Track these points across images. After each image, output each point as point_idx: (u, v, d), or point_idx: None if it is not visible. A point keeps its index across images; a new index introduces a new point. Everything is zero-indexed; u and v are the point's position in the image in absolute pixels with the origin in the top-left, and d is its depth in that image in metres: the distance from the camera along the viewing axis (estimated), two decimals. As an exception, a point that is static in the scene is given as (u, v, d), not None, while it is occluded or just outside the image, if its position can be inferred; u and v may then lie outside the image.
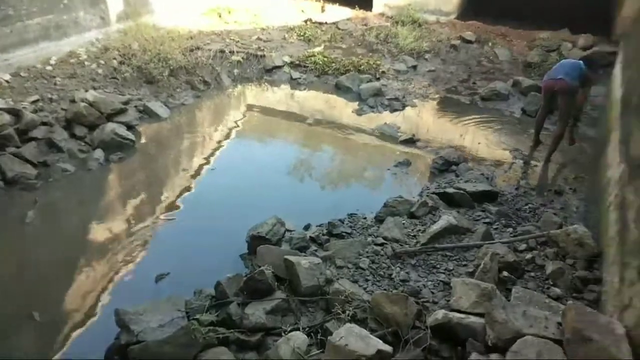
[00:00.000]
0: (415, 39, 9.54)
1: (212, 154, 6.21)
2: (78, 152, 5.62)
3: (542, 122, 6.06)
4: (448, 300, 3.12)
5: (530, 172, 5.65)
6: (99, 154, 5.62)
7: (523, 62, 9.15)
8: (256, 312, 3.09)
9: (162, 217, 4.77)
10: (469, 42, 9.82)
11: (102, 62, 7.46)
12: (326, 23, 10.50)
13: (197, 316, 3.09)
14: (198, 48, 8.48)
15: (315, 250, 3.99)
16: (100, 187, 5.21)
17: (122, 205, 4.93)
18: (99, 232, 4.43)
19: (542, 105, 6.01)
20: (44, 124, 5.72)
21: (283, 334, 2.93)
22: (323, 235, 4.22)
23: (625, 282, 2.74)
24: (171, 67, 7.65)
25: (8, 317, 3.38)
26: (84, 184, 5.20)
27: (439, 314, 2.91)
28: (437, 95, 8.06)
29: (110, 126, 5.90)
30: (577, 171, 5.47)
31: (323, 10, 11.09)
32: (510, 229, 4.16)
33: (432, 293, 3.30)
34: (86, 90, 6.50)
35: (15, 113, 5.47)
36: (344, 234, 4.21)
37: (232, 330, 3.02)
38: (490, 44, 9.79)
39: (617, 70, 7.07)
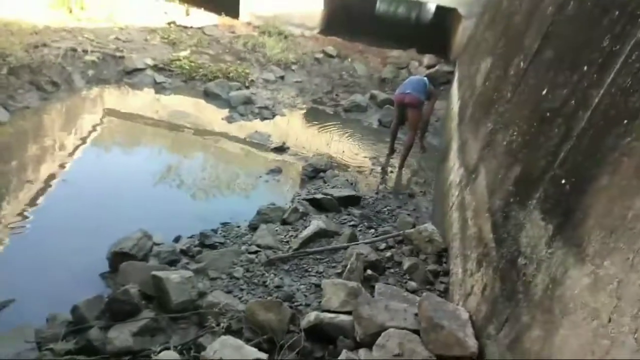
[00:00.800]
0: (282, 50, 9.82)
1: (64, 164, 5.58)
2: None
3: (395, 132, 6.73)
4: (320, 302, 3.28)
5: (387, 178, 6.23)
6: None
7: (378, 77, 10.05)
8: (121, 335, 2.87)
9: (2, 234, 4.15)
10: (331, 56, 10.44)
11: None
12: (192, 27, 10.23)
13: (51, 345, 2.77)
14: (45, 45, 7.56)
15: (187, 263, 3.86)
16: None
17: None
18: None
19: (395, 117, 6.68)
20: None
21: (152, 355, 2.78)
22: (195, 246, 4.10)
23: (467, 272, 3.19)
24: (11, 65, 6.69)
25: None
26: None
27: (311, 316, 3.04)
28: (304, 105, 8.41)
29: None
30: (426, 176, 6.21)
31: (188, 14, 10.77)
32: (373, 230, 4.54)
33: (305, 296, 3.44)
34: None
35: None
36: (217, 244, 4.15)
37: (93, 358, 2.76)
38: (349, 59, 10.54)
39: (454, 87, 8.22)
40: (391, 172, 6.37)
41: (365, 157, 6.76)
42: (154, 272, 3.32)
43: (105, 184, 5.28)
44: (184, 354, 2.86)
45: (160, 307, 3.21)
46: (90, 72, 7.76)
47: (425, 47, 10.99)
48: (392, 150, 6.79)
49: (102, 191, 5.10)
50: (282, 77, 9.20)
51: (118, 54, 8.27)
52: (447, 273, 3.74)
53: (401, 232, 4.20)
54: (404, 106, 6.26)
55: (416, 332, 2.80)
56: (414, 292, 3.51)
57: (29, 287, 3.56)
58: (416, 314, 2.94)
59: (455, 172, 4.96)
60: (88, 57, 7.84)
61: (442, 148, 6.74)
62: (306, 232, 4.09)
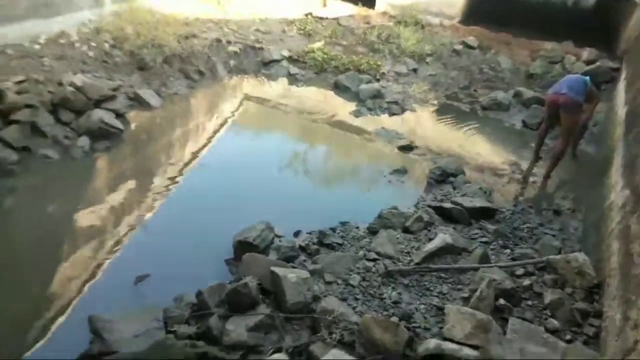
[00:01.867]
0: (418, 41, 9.37)
1: (203, 148, 5.99)
2: (63, 139, 5.35)
3: (543, 136, 5.94)
4: (441, 328, 2.97)
5: (529, 189, 5.52)
6: (84, 141, 5.37)
7: (525, 72, 9.03)
8: (237, 329, 2.91)
9: (145, 212, 4.56)
10: (472, 47, 9.67)
11: (94, 44, 7.16)
12: (327, 18, 10.29)
13: (175, 327, 2.91)
14: (194, 36, 8.22)
15: (304, 261, 3.81)
16: (83, 177, 4.97)
17: (105, 198, 4.69)
18: (77, 226, 4.21)
19: (544, 119, 5.87)
20: (28, 106, 5.43)
21: (265, 355, 2.76)
22: (313, 244, 4.04)
23: (629, 321, 2.60)
24: (165, 54, 7.39)
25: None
26: (66, 172, 4.95)
27: (431, 343, 2.76)
28: (436, 101, 7.91)
29: (98, 113, 5.64)
30: (577, 190, 5.36)
31: (325, 5, 10.86)
32: (508, 250, 4.02)
33: (425, 318, 3.14)
34: (75, 74, 6.22)
35: (-2, 93, 5.20)
36: (334, 244, 4.04)
37: (212, 346, 2.84)
38: (492, 51, 9.66)
39: (620, 88, 6.98)
40: (534, 182, 5.62)
41: (503, 162, 6.09)
42: (273, 268, 3.32)
43: (236, 169, 5.54)
44: (294, 357, 2.79)
45: (276, 304, 3.20)
46: (232, 62, 8.25)
47: (584, 39, 9.58)
48: (537, 157, 6.00)
49: (233, 176, 5.35)
50: (414, 70, 8.78)
51: (257, 45, 8.65)
52: (599, 315, 3.13)
53: (544, 258, 3.64)
54: (557, 108, 5.43)
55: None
56: (554, 331, 3.01)
57: (163, 265, 3.82)
58: (559, 363, 2.50)
59: (617, 192, 4.16)
60: (231, 48, 8.33)
61: (600, 159, 5.76)
62: (430, 246, 3.76)
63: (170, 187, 5.05)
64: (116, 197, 4.73)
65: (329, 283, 3.46)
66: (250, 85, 8.08)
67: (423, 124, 7.22)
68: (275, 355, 2.70)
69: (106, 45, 7.18)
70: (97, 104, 5.87)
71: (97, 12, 7.90)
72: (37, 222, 4.20)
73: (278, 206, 4.75)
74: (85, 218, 4.31)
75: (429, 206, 4.57)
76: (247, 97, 7.60)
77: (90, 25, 7.60)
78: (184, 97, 7.22)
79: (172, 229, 4.35)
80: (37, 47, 6.73)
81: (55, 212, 4.38)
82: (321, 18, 10.26)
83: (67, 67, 6.48)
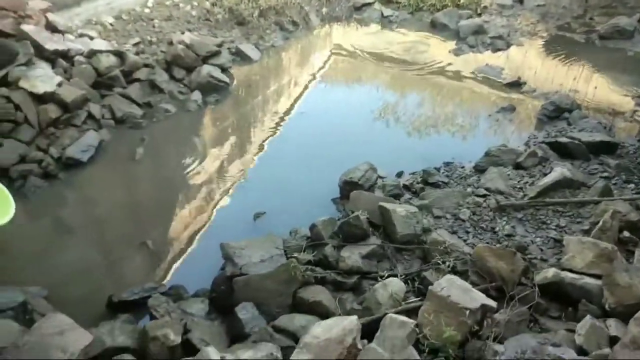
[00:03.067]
0: (523, -32, 8.50)
1: (300, 97, 6.17)
2: (178, 94, 5.84)
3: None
4: (559, 259, 2.89)
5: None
6: (196, 95, 5.81)
7: (655, -8, 7.85)
8: (352, 256, 3.10)
9: (255, 157, 4.89)
10: (588, -30, 8.57)
11: (196, 3, 7.54)
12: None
13: (295, 255, 3.17)
14: (287, -14, 8.27)
15: (410, 199, 3.88)
16: (200, 127, 5.41)
17: (219, 145, 5.10)
18: (199, 170, 4.65)
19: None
20: (145, 65, 5.96)
21: (379, 279, 2.92)
22: (417, 183, 4.08)
23: None
24: (261, 8, 7.57)
25: (126, 244, 3.72)
26: (184, 124, 5.43)
27: (549, 272, 2.71)
28: (546, 33, 7.24)
29: (207, 69, 6.03)
30: None
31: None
32: (632, 185, 3.71)
33: (541, 250, 3.08)
34: (182, 33, 6.65)
35: (120, 55, 5.74)
36: (440, 183, 4.04)
37: (328, 271, 3.06)
38: (614, -29, 8.48)
39: None
40: (663, 114, 5.05)
41: (626, 95, 5.49)
42: (381, 203, 3.43)
43: (333, 117, 5.65)
44: (408, 283, 2.92)
45: (385, 236, 3.33)
46: (324, 10, 8.21)
47: None
48: (668, 87, 5.34)
49: (330, 124, 5.48)
50: (520, 1, 8.05)
51: (349, -11, 8.48)
52: None
53: (678, 190, 3.32)
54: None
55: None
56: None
57: (275, 203, 4.12)
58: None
59: None
60: (323, -5, 8.26)
61: None
62: (546, 180, 3.59)
63: (274, 134, 5.32)
64: (228, 145, 5.12)
65: (437, 217, 3.50)
66: (342, 32, 8.02)
67: (531, 59, 6.68)
68: (390, 280, 2.84)
69: (207, 3, 7.52)
70: (205, 60, 6.26)
71: (196, -29, 8.25)
72: (164, 167, 4.72)
73: (378, 151, 4.82)
74: (205, 163, 4.75)
75: (543, 142, 4.33)
76: (339, 47, 7.57)
77: (191, -15, 7.98)
78: (280, 48, 7.41)
79: (280, 171, 4.63)
80: (147, 10, 7.25)
81: (179, 158, 4.85)
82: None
83: (174, 27, 6.95)
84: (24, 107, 4.58)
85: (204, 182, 4.49)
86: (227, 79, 6.14)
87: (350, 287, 3.00)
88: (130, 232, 3.86)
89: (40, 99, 4.70)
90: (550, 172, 3.72)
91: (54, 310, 2.84)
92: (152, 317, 2.70)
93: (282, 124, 5.55)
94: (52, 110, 4.70)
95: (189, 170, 4.63)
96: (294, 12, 7.97)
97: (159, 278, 3.42)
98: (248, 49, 6.99)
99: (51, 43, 5.23)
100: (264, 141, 5.18)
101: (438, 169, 4.31)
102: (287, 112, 5.81)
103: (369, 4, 8.24)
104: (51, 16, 5.58)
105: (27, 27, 5.13)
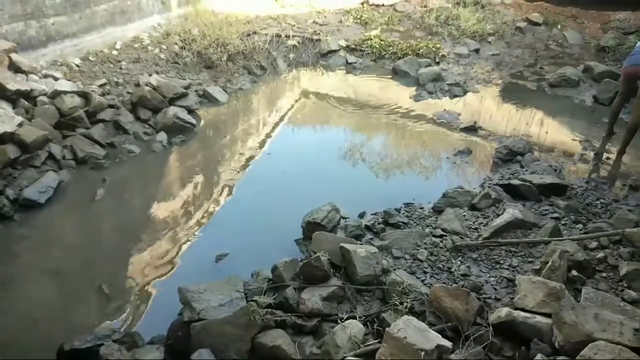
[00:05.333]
0: (479, 20, 9.14)
1: (267, 138, 6.27)
2: (143, 135, 5.84)
3: (618, 111, 5.64)
4: (512, 298, 2.98)
5: (602, 165, 5.28)
6: (162, 136, 5.82)
7: (596, 46, 8.57)
8: (312, 298, 3.10)
9: (220, 198, 4.89)
10: (536, 24, 9.30)
11: (164, 47, 7.68)
12: (383, 5, 10.29)
13: (255, 298, 3.14)
14: (255, 32, 8.56)
15: (371, 239, 3.94)
16: (164, 168, 5.40)
17: (183, 186, 5.08)
18: (161, 211, 4.61)
19: (621, 93, 5.58)
20: (111, 106, 5.97)
21: (339, 321, 2.93)
22: (379, 224, 4.16)
23: None
24: (229, 52, 7.77)
25: (80, 287, 3.60)
26: (148, 164, 5.41)
27: (503, 312, 2.79)
28: (500, 81, 7.71)
29: (173, 110, 6.08)
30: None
31: (379, -8, 10.83)
32: (580, 225, 3.91)
33: (495, 289, 3.17)
34: (150, 75, 6.73)
35: (85, 96, 5.72)
36: (400, 223, 4.13)
37: (289, 314, 3.05)
38: (559, 26, 9.23)
39: None
40: (607, 158, 5.38)
41: (574, 139, 5.86)
42: (342, 244, 3.47)
43: (299, 158, 5.76)
44: (367, 325, 2.94)
45: (346, 277, 3.35)
46: (291, 56, 8.50)
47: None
48: (611, 132, 5.72)
49: (296, 164, 5.58)
50: (476, 51, 8.58)
51: (315, 37, 8.84)
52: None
53: (619, 230, 3.51)
54: (636, 80, 5.14)
55: (635, 350, 2.33)
56: (632, 303, 2.92)
57: (239, 245, 4.11)
58: (637, 330, 2.45)
59: None
60: (290, 42, 8.58)
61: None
62: (499, 221, 3.75)
63: (240, 175, 5.36)
64: (193, 185, 5.11)
65: (396, 258, 3.57)
66: (308, 76, 8.28)
67: (487, 104, 7.07)
68: (349, 322, 2.85)
69: (176, 47, 7.67)
70: (171, 101, 6.33)
71: (165, 16, 8.45)
72: (126, 208, 4.65)
73: (342, 192, 4.89)
74: (168, 204, 4.71)
75: (497, 184, 4.53)
76: (305, 91, 7.80)
77: (160, 29, 8.15)
78: (248, 91, 7.57)
79: (245, 212, 4.64)
80: (115, 52, 7.33)
81: (141, 200, 4.81)
82: (377, 6, 10.27)
83: (142, 69, 7.02)
84: (-20, 148, 4.48)
85: (166, 223, 4.44)
86: (193, 120, 6.20)
87: (310, 330, 2.98)
88: (85, 276, 3.74)
89: (-1, 139, 4.62)
90: (503, 213, 3.88)
91: (-2, 361, 2.70)
92: (104, 366, 2.60)
93: (248, 164, 5.60)
94: (11, 151, 4.62)
95: (151, 211, 4.58)
96: (261, 57, 8.22)
97: (113, 324, 3.31)
98: (215, 91, 7.11)
99: (13, 83, 5.19)
100: (229, 182, 5.20)
101: (399, 210, 4.42)
102: (254, 153, 5.87)
103: (334, 51, 8.59)
104: (15, 56, 5.57)
105: (-12, 68, 5.08)
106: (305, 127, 6.85)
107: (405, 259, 3.56)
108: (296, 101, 7.48)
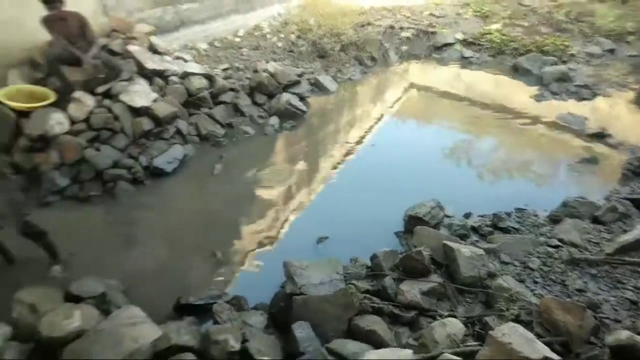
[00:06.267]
0: (617, 17, 8.20)
1: (371, 129, 6.29)
2: (257, 118, 6.19)
3: None
4: (634, 322, 2.70)
5: None
6: (274, 120, 6.13)
7: None
8: (412, 290, 3.08)
9: (323, 183, 5.03)
10: (691, 23, 8.10)
11: (282, 35, 8.03)
12: (507, -2, 9.68)
13: (354, 282, 3.20)
14: (369, 24, 8.58)
15: (476, 241, 3.80)
16: (274, 150, 5.68)
17: (290, 168, 5.30)
18: (269, 190, 4.86)
19: None
20: (231, 89, 6.40)
21: (438, 317, 2.88)
22: (486, 226, 3.99)
23: None
24: (342, 43, 7.89)
25: (196, 250, 3.97)
26: (260, 146, 5.73)
27: (623, 334, 2.53)
28: (638, 86, 6.87)
29: (286, 96, 6.36)
30: None
31: (505, -15, 10.20)
32: None
33: (615, 310, 2.88)
34: (267, 62, 7.09)
35: (210, 78, 6.20)
36: (510, 228, 3.92)
37: (386, 302, 3.07)
38: None
39: None
40: None
41: None
42: (445, 242, 3.40)
43: (403, 152, 5.69)
44: (467, 326, 2.85)
45: (447, 275, 3.28)
46: (404, 48, 8.39)
47: None
48: None
49: (399, 158, 5.52)
50: (611, 51, 7.74)
51: (430, 29, 8.62)
52: None
53: None
54: None
55: None
56: None
57: (338, 230, 4.20)
58: None
59: None
60: (403, 34, 8.48)
61: None
62: (627, 237, 3.38)
63: (344, 162, 5.45)
64: (299, 169, 5.32)
65: (505, 263, 3.40)
66: (419, 69, 8.12)
67: (619, 110, 6.36)
68: (449, 320, 2.79)
69: (292, 36, 7.97)
70: (285, 88, 6.62)
71: (285, 5, 8.81)
72: (238, 184, 4.98)
73: (445, 189, 4.77)
74: (275, 184, 4.96)
75: (625, 198, 4.08)
76: (414, 84, 7.66)
77: (279, 18, 8.52)
78: (357, 82, 7.63)
79: (346, 199, 4.72)
80: (237, 39, 7.82)
81: (252, 177, 5.11)
82: (500, -2, 9.72)
83: (261, 56, 7.42)
84: (122, 118, 5.08)
85: (272, 201, 4.68)
86: (304, 107, 6.42)
87: (407, 322, 2.97)
88: (201, 240, 4.10)
89: (137, 112, 5.19)
90: (631, 230, 3.49)
91: (128, 303, 3.08)
92: (215, 323, 2.84)
93: (352, 153, 5.68)
94: (146, 123, 5.16)
95: (260, 188, 4.87)
96: (373, 48, 8.22)
97: (222, 287, 3.60)
98: (326, 80, 7.29)
99: (151, 63, 5.78)
100: (333, 168, 5.33)
101: (509, 214, 4.19)
102: (358, 143, 5.94)
103: (450, 45, 8.31)
104: (153, 39, 6.19)
105: (132, 48, 5.73)
106: (411, 120, 6.74)
107: (515, 265, 3.38)
108: (404, 94, 7.38)
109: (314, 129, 6.27)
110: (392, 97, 7.31)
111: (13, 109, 4.54)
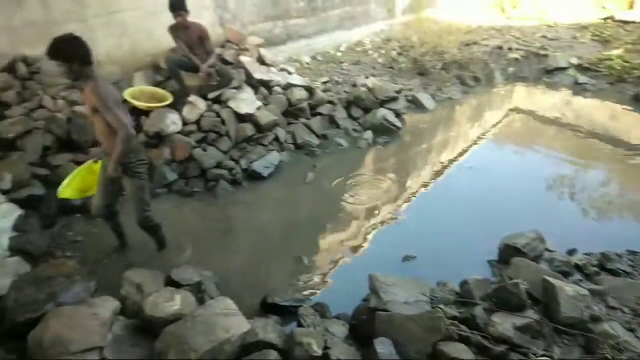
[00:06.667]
0: None
1: (466, 151, 6.06)
2: (352, 131, 6.28)
3: None
4: None
5: None
6: (368, 135, 6.17)
7: None
8: (504, 324, 2.89)
9: (412, 201, 4.94)
10: None
11: (383, 51, 8.10)
12: (633, 22, 8.86)
13: (441, 306, 3.09)
14: (474, 43, 8.35)
15: (580, 280, 3.47)
16: (365, 164, 5.71)
17: (379, 183, 5.28)
18: (357, 202, 4.88)
19: None
20: (329, 102, 6.57)
21: (532, 355, 2.68)
22: (592, 266, 3.64)
23: None
24: (444, 61, 7.75)
25: (283, 252, 4.10)
26: (352, 158, 5.79)
27: None
28: None
29: (382, 112, 6.38)
30: None
31: (631, 7, 9.37)
32: None
33: None
34: (366, 77, 7.18)
35: (310, 90, 6.43)
36: (620, 271, 3.55)
37: (475, 332, 2.92)
38: None
39: None
40: None
41: None
42: (546, 277, 3.15)
43: (500, 177, 5.40)
44: (564, 371, 2.62)
45: (545, 312, 3.03)
46: (510, 69, 8.03)
47: None
48: None
49: (496, 183, 5.25)
50: None
51: (541, 52, 8.16)
52: None
53: None
54: None
55: None
56: None
57: (426, 251, 4.09)
58: None
59: None
60: (511, 55, 8.11)
61: None
62: None
63: (436, 182, 5.32)
64: (389, 183, 5.28)
65: (612, 308, 3.08)
66: (525, 93, 7.70)
67: None
68: (544, 359, 2.58)
69: (393, 52, 8.01)
70: (382, 103, 6.64)
71: (388, 22, 8.89)
72: (329, 193, 5.06)
73: (547, 221, 4.41)
74: (362, 197, 4.97)
75: None
76: (518, 108, 7.26)
77: (382, 34, 8.61)
78: (456, 102, 7.44)
79: (437, 219, 4.59)
80: (339, 54, 8.04)
81: (341, 189, 5.16)
82: (624, 22, 8.93)
83: (360, 71, 7.55)
84: (228, 123, 5.44)
85: (360, 213, 4.70)
86: (399, 123, 6.39)
87: (495, 355, 2.79)
88: (288, 244, 4.24)
89: (241, 118, 5.53)
90: None
91: (220, 294, 3.26)
92: (299, 325, 2.91)
93: (444, 173, 5.52)
94: (248, 129, 5.48)
95: (349, 200, 4.91)
96: (477, 68, 7.97)
97: (305, 291, 3.67)
98: (424, 98, 7.19)
99: (258, 73, 6.14)
100: (423, 186, 5.22)
101: (619, 256, 3.80)
102: (451, 163, 5.76)
103: (562, 69, 7.79)
104: (262, 51, 6.57)
105: (244, 58, 6.13)
106: (511, 145, 6.39)
107: (624, 312, 3.04)
108: (505, 117, 7.04)
109: (407, 146, 6.20)
110: (493, 119, 7.00)
111: (135, 107, 5.04)
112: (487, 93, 7.71)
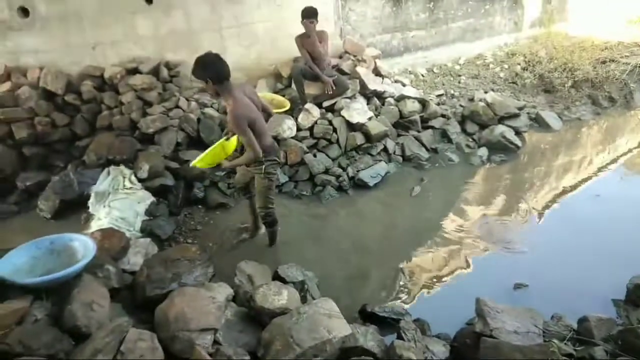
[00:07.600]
0: None
1: (591, 178, 5.48)
2: (465, 147, 6.06)
3: None
4: None
5: None
6: (483, 152, 5.90)
7: None
8: (628, 373, 2.58)
9: (524, 226, 4.61)
10: None
11: (506, 66, 7.69)
12: None
13: (555, 341, 2.85)
14: (612, 60, 7.56)
15: None
16: (477, 182, 5.45)
17: (489, 203, 5.01)
18: (465, 219, 4.70)
19: None
20: (442, 116, 6.43)
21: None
22: None
23: None
24: (575, 79, 7.13)
25: (384, 263, 4.09)
26: (463, 175, 5.58)
27: None
28: None
29: (500, 128, 6.06)
30: None
31: None
32: None
33: None
34: (485, 92, 6.88)
35: (423, 103, 6.34)
36: None
37: (593, 376, 2.64)
38: None
39: None
40: None
41: None
42: (687, 326, 2.75)
43: (633, 208, 4.78)
44: None
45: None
46: (655, 90, 7.13)
47: None
48: None
49: (628, 214, 4.66)
50: None
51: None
52: None
53: None
54: None
55: None
56: None
57: (541, 280, 3.78)
58: None
59: None
60: (657, 74, 7.20)
61: None
62: None
63: (555, 207, 4.90)
64: (500, 204, 4.99)
65: None
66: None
67: None
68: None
69: (518, 67, 7.57)
70: (501, 120, 6.32)
71: (514, 36, 8.43)
72: (435, 209, 4.94)
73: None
74: (469, 216, 4.76)
75: None
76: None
77: (505, 48, 8.19)
78: (586, 123, 6.80)
79: (555, 249, 4.23)
80: (457, 67, 7.81)
81: (447, 205, 4.99)
82: None
83: (479, 85, 7.25)
84: (339, 131, 5.58)
85: (466, 232, 4.50)
86: (518, 142, 6.02)
87: (616, 405, 2.51)
88: (389, 255, 4.20)
89: (352, 127, 5.65)
90: None
91: (321, 296, 3.36)
92: (399, 338, 2.88)
93: (566, 199, 5.07)
94: (359, 138, 5.57)
95: (455, 217, 4.74)
96: (613, 87, 7.21)
97: (405, 305, 3.62)
98: (549, 116, 6.69)
99: (373, 84, 6.21)
100: (539, 212, 4.84)
101: None
102: (575, 189, 5.27)
103: None
104: (378, 62, 6.64)
105: (360, 69, 6.25)
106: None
107: None
108: (638, 144, 6.25)
109: (525, 166, 5.80)
110: (627, 144, 6.27)
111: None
112: (622, 116, 6.92)
